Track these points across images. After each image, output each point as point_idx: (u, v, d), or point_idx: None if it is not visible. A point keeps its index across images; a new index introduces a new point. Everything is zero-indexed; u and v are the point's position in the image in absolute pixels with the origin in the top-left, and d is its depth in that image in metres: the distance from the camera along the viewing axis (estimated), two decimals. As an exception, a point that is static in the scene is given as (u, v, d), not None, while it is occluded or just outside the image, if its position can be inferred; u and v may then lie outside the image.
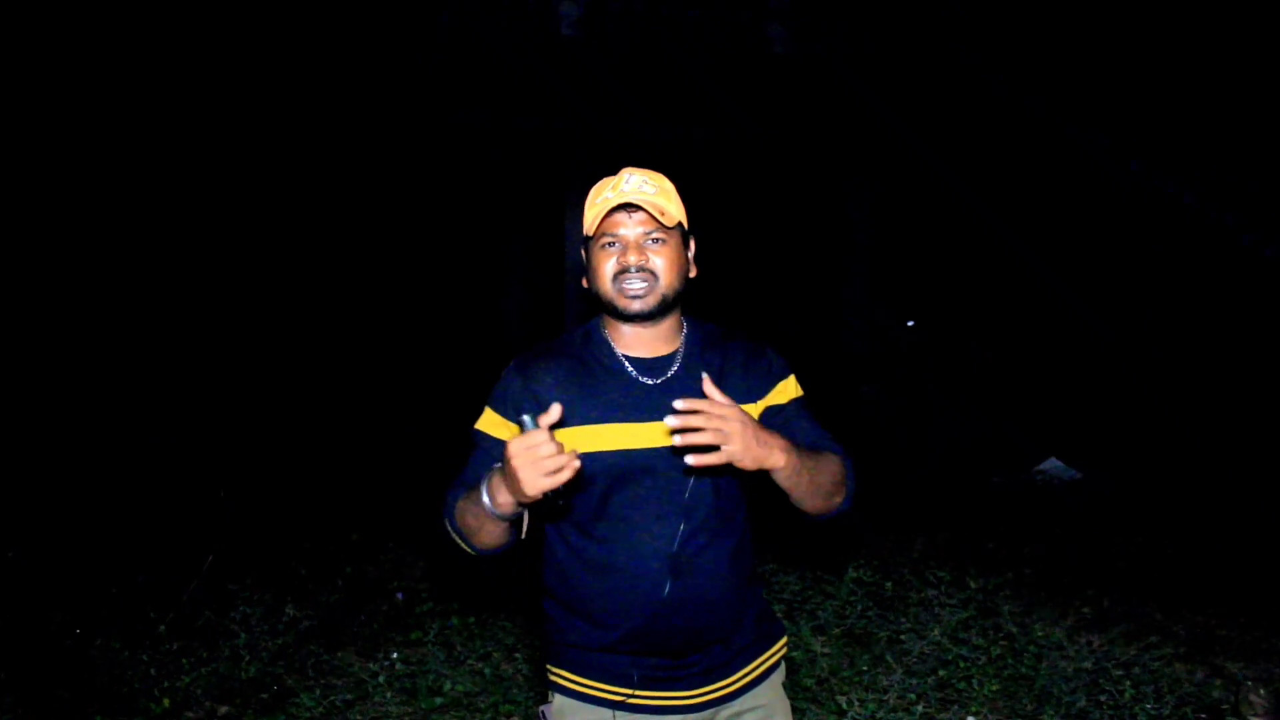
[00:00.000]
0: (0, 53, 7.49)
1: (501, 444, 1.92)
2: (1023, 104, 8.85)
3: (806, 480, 1.82)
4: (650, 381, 1.98)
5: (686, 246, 2.03)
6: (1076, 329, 9.84)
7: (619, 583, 1.93)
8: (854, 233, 10.44)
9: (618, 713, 1.98)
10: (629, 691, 1.97)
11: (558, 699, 2.05)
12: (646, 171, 2.00)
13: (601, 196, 1.96)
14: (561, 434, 1.92)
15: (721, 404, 1.68)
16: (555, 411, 1.67)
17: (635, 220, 1.94)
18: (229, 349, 9.25)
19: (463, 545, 1.93)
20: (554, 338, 2.10)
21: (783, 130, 9.58)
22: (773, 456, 1.71)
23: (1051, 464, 8.51)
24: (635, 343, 2.01)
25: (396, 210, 10.23)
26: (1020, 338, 10.14)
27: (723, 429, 1.65)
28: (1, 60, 7.50)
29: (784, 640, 2.16)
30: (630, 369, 1.99)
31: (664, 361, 2.00)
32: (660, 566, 1.91)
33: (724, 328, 2.13)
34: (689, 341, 2.05)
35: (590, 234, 1.97)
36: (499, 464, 1.75)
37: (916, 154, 9.37)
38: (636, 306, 1.93)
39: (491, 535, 1.84)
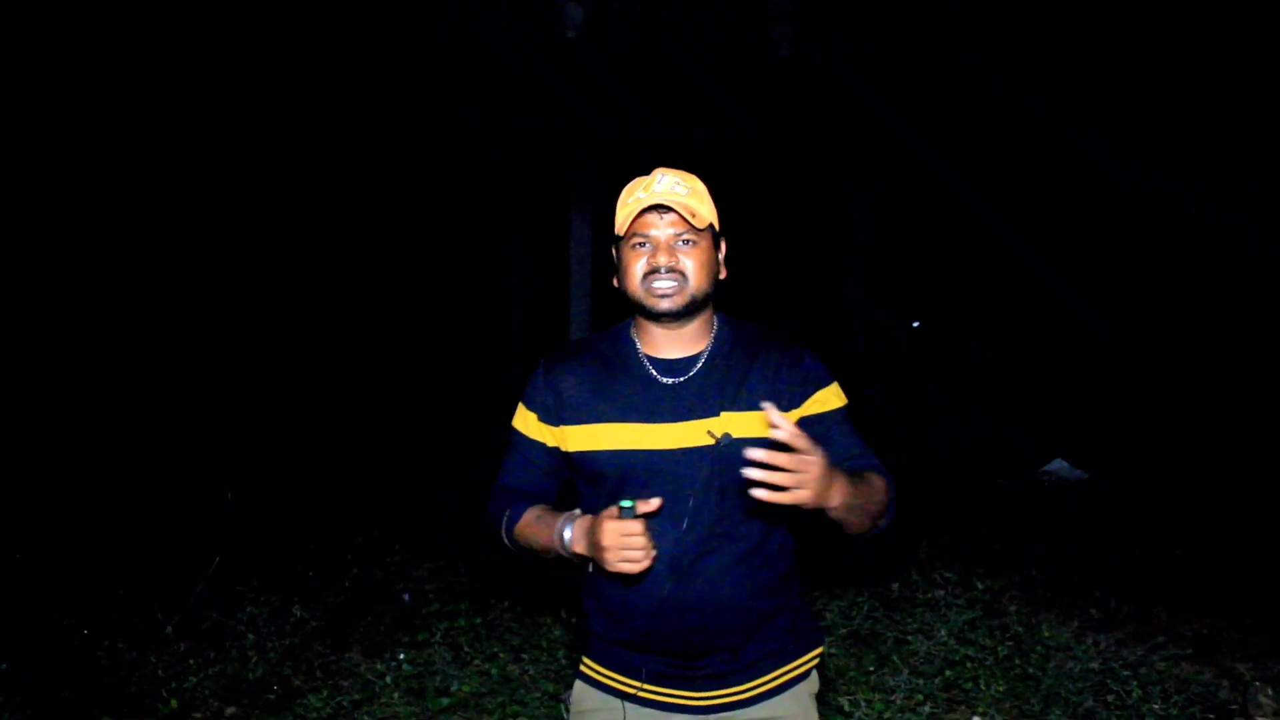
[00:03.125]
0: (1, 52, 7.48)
1: (534, 443, 2.06)
2: (1023, 104, 8.86)
3: (857, 512, 1.81)
4: (669, 381, 1.98)
5: (717, 248, 2.03)
6: (1077, 329, 9.86)
7: (626, 580, 1.95)
8: (854, 233, 10.47)
9: (628, 704, 2.01)
10: (639, 685, 2.00)
11: (577, 684, 2.10)
12: (679, 172, 2.00)
13: (633, 196, 1.96)
14: (574, 430, 1.99)
15: (808, 449, 1.64)
16: (655, 502, 1.79)
17: (666, 221, 1.94)
18: (232, 350, 9.25)
19: (516, 552, 2.07)
20: (587, 337, 2.15)
21: (783, 130, 9.60)
22: (832, 497, 1.70)
23: (1058, 465, 8.51)
24: (661, 343, 2.01)
25: (397, 211, 10.23)
26: (1020, 338, 10.16)
27: (805, 478, 1.63)
28: (2, 60, 7.49)
29: (817, 652, 2.12)
30: (650, 369, 2.00)
31: (687, 362, 2.00)
32: (661, 568, 1.91)
33: (765, 329, 2.09)
34: (717, 343, 2.03)
35: (621, 234, 1.98)
36: (578, 512, 1.93)
37: (916, 154, 9.37)
38: (665, 305, 1.93)
39: (550, 558, 1.99)
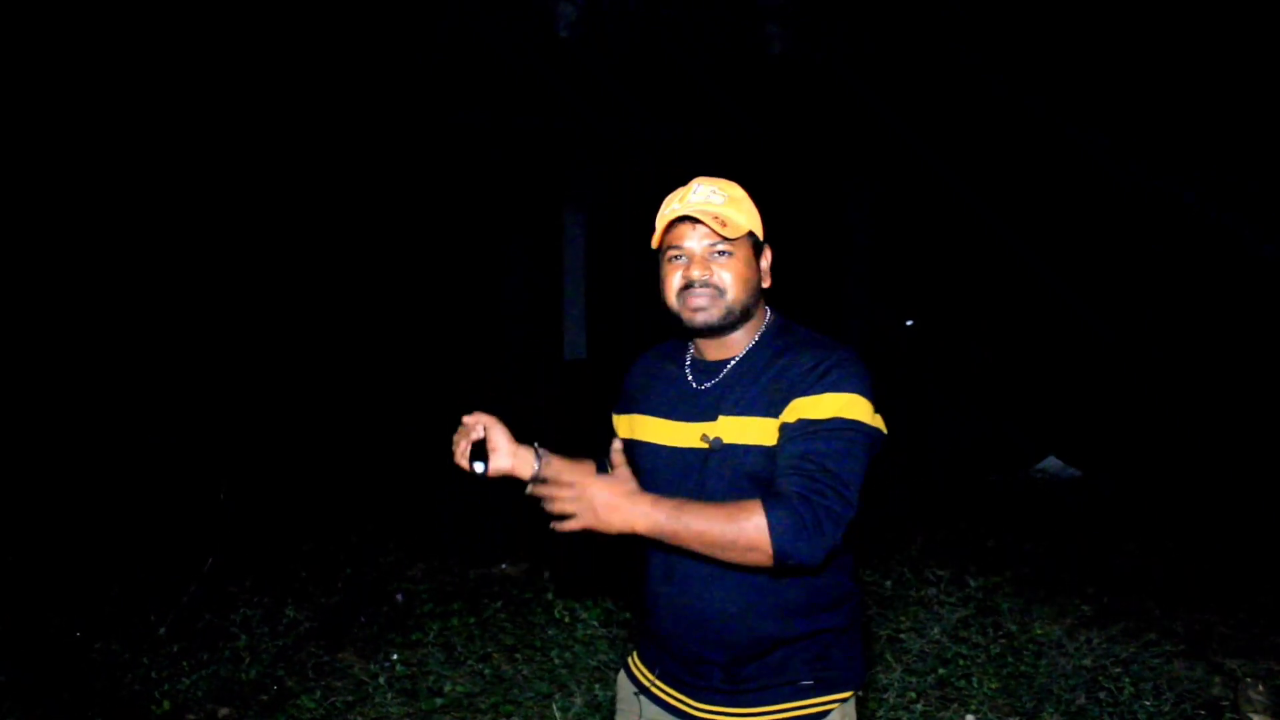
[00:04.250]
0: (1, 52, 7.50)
1: (614, 425, 2.24)
2: (1023, 104, 8.85)
3: (685, 540, 1.72)
4: (697, 385, 2.00)
5: (759, 256, 2.00)
6: (1076, 329, 9.84)
7: (643, 572, 2.04)
8: (854, 233, 10.44)
9: (643, 698, 2.06)
10: (652, 679, 2.04)
11: (621, 672, 2.17)
12: (717, 181, 1.98)
13: (669, 208, 1.96)
14: (622, 419, 2.17)
15: (570, 480, 1.75)
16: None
17: (699, 234, 1.93)
18: (229, 350, 9.25)
19: None
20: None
21: (783, 130, 9.58)
22: (629, 521, 1.73)
23: (1051, 462, 8.50)
24: (706, 347, 2.03)
25: (396, 211, 10.23)
26: (1020, 338, 10.15)
27: (567, 502, 1.74)
28: (2, 59, 7.51)
29: (841, 695, 1.94)
30: (688, 371, 2.04)
31: (719, 366, 2.00)
32: (657, 567, 1.97)
33: (812, 336, 1.99)
34: (755, 347, 1.99)
35: (657, 246, 2.00)
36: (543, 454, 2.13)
37: (916, 154, 9.36)
38: (700, 319, 1.94)
39: None
